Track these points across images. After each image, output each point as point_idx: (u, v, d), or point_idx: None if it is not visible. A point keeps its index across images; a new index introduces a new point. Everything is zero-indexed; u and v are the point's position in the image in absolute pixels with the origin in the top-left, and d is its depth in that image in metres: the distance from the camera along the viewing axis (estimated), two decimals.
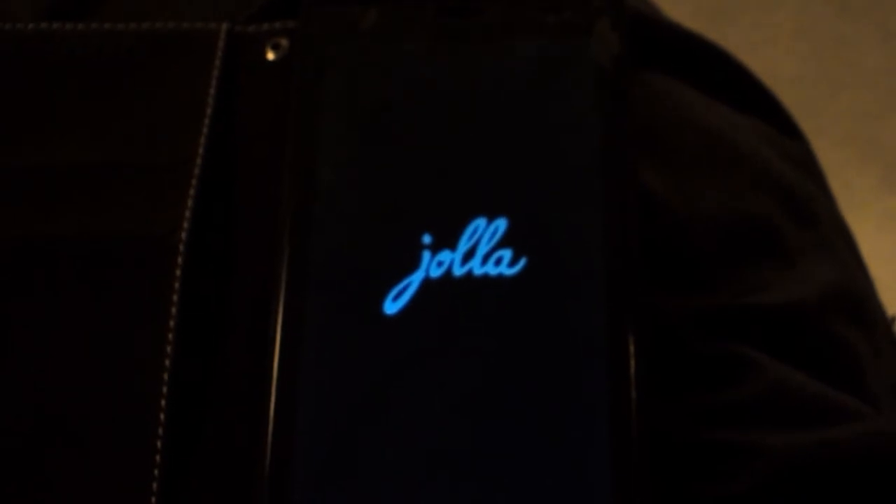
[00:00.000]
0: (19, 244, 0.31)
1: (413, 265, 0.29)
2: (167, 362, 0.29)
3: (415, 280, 0.28)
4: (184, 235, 0.30)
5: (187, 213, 0.30)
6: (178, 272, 0.30)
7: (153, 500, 0.28)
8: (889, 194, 0.93)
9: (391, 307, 0.28)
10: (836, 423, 0.29)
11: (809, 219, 0.35)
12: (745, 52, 0.46)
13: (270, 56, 0.33)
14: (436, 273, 0.29)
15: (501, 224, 0.29)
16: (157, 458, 0.28)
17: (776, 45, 1.00)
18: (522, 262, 0.29)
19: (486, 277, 0.28)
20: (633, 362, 0.27)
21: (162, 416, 0.28)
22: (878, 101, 0.97)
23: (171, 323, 0.29)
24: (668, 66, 0.36)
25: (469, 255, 0.29)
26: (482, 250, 0.29)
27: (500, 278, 0.28)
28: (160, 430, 0.28)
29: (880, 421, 0.30)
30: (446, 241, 0.29)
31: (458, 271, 0.29)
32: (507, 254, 0.29)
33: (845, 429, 0.29)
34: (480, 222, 0.29)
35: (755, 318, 0.31)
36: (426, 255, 0.29)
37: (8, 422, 0.29)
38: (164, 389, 0.29)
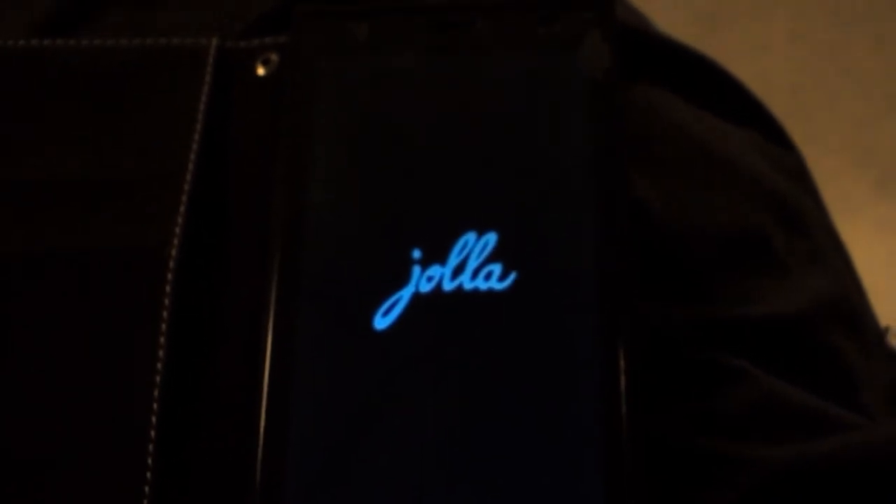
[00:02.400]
0: (12, 256, 0.31)
1: (403, 280, 0.29)
2: (157, 378, 0.29)
3: (405, 295, 0.28)
4: (174, 251, 0.30)
5: (178, 228, 0.31)
6: (168, 287, 0.30)
7: None
8: (884, 201, 0.93)
9: (381, 322, 0.28)
10: (828, 433, 0.29)
11: (801, 229, 0.35)
12: (739, 59, 0.46)
13: (261, 71, 0.33)
14: (426, 288, 0.29)
15: (491, 238, 0.29)
16: (148, 474, 0.28)
17: (770, 52, 1.00)
18: (512, 277, 0.29)
19: (476, 292, 0.28)
20: (624, 377, 0.27)
21: (153, 433, 0.28)
22: (873, 107, 0.97)
23: (162, 339, 0.29)
24: (659, 77, 0.36)
25: (459, 270, 0.29)
26: (472, 265, 0.29)
27: (491, 293, 0.28)
28: (150, 446, 0.28)
29: (873, 432, 0.30)
30: (436, 255, 0.29)
31: (448, 286, 0.29)
32: (497, 268, 0.29)
33: (837, 440, 0.29)
34: (470, 237, 0.29)
35: (747, 329, 0.31)
36: (416, 269, 0.29)
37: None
38: (155, 406, 0.29)
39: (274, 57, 0.33)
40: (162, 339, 0.29)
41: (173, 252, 0.30)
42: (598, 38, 0.31)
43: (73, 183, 0.32)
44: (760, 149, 0.38)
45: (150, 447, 0.28)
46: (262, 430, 0.27)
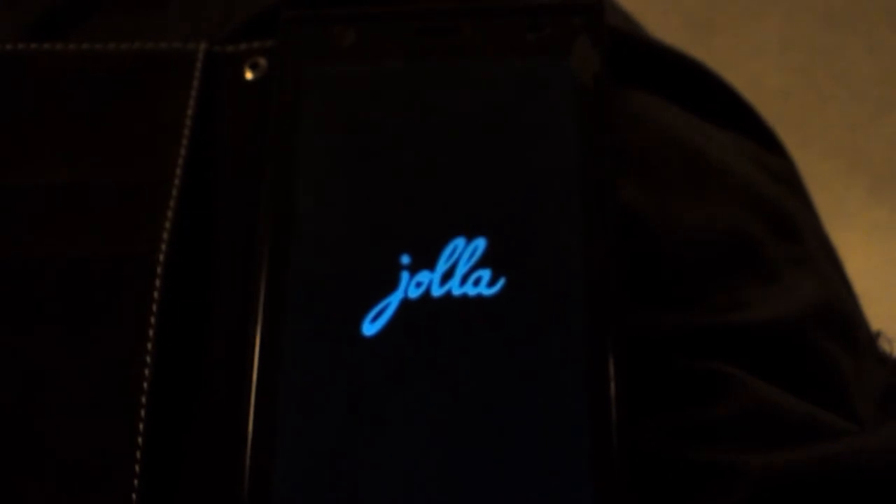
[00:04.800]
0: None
1: (391, 286, 0.28)
2: (145, 385, 0.29)
3: (393, 301, 0.28)
4: (161, 257, 0.30)
5: (165, 234, 0.30)
6: (156, 293, 0.30)
7: None
8: (877, 206, 0.93)
9: (369, 328, 0.28)
10: (817, 440, 0.29)
11: (791, 235, 0.35)
12: (732, 64, 0.46)
13: (249, 76, 0.33)
14: (414, 294, 0.28)
15: (480, 244, 0.29)
16: (136, 481, 0.28)
17: (763, 57, 1.00)
18: (501, 283, 0.28)
19: (464, 298, 0.28)
20: (613, 383, 0.27)
21: (140, 440, 0.28)
22: (865, 112, 0.97)
23: (149, 345, 0.29)
24: (650, 82, 0.36)
25: (448, 276, 0.29)
26: (461, 270, 0.29)
27: (479, 299, 0.28)
28: (138, 453, 0.28)
29: (862, 439, 0.30)
30: (425, 261, 0.29)
31: (437, 292, 0.28)
32: (485, 274, 0.29)
33: (827, 447, 0.29)
34: (459, 242, 0.29)
35: (737, 336, 0.31)
36: (405, 275, 0.29)
37: None
38: (143, 413, 0.28)
39: (262, 61, 0.33)
40: (150, 346, 0.29)
41: (161, 258, 0.30)
42: (588, 44, 0.31)
43: (59, 189, 0.32)
44: (752, 154, 0.38)
45: (138, 454, 0.28)
46: (249, 435, 0.27)
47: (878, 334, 0.36)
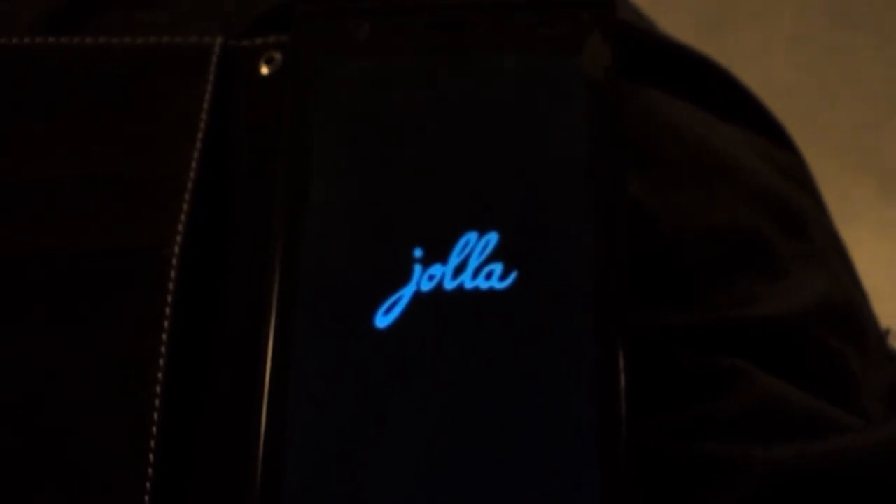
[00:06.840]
0: (12, 258, 0.31)
1: (404, 279, 0.29)
2: (160, 374, 0.29)
3: (406, 294, 0.29)
4: (177, 249, 0.30)
5: (180, 227, 0.31)
6: (171, 285, 0.30)
7: None
8: (886, 203, 0.93)
9: (382, 321, 0.28)
10: (825, 435, 0.29)
11: (800, 230, 0.35)
12: (742, 62, 0.46)
13: (264, 70, 0.33)
14: (427, 287, 0.29)
15: (492, 238, 0.29)
16: (150, 470, 0.28)
17: (773, 55, 1.00)
18: (513, 276, 0.29)
19: (476, 291, 0.29)
20: (622, 377, 0.27)
21: (154, 429, 0.28)
22: (875, 110, 0.97)
23: (164, 336, 0.29)
24: (660, 77, 0.36)
25: (460, 269, 0.29)
26: (473, 264, 0.29)
27: (491, 292, 0.29)
28: (150, 453, 0.28)
29: (866, 434, 0.30)
30: (437, 254, 0.29)
31: (449, 285, 0.29)
32: (497, 267, 0.29)
33: (834, 442, 0.29)
34: (471, 236, 0.29)
35: (745, 331, 0.31)
36: (417, 268, 0.29)
37: None
38: (157, 402, 0.29)
39: (277, 56, 0.33)
40: (164, 336, 0.29)
41: (176, 250, 0.30)
42: (600, 39, 0.31)
43: (76, 182, 0.32)
44: (761, 150, 0.38)
45: (151, 453, 0.28)
46: (262, 428, 0.28)
47: (887, 332, 0.36)
